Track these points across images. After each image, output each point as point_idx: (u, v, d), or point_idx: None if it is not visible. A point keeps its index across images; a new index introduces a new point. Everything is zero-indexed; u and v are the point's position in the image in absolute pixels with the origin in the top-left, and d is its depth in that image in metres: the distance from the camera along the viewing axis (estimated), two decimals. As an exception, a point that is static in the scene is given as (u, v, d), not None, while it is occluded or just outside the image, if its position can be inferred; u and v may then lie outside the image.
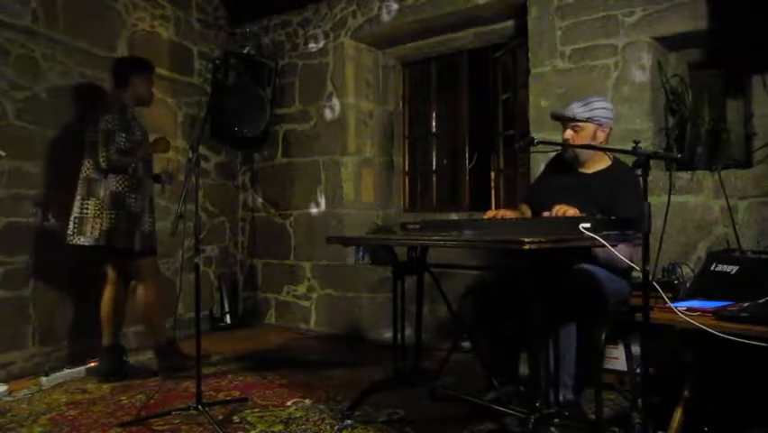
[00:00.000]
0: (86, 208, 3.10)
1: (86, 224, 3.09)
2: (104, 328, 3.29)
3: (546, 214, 2.24)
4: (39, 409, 2.73)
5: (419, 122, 4.87)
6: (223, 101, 4.45)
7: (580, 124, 2.42)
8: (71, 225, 3.13)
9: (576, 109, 2.42)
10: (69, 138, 3.48)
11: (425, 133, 4.83)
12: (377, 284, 4.36)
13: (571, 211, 2.16)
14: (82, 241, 3.10)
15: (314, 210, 4.67)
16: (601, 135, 2.45)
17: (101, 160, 3.05)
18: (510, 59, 4.11)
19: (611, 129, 2.50)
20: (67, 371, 3.24)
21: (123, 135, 3.10)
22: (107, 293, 3.31)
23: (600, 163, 2.51)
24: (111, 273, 3.32)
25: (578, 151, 2.47)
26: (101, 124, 3.05)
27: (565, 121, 2.47)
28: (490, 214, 2.53)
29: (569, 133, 2.45)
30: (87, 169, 3.15)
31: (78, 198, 3.14)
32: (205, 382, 2.92)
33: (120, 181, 3.12)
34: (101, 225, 3.07)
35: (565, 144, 2.44)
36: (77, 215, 3.13)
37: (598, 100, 2.46)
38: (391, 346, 2.63)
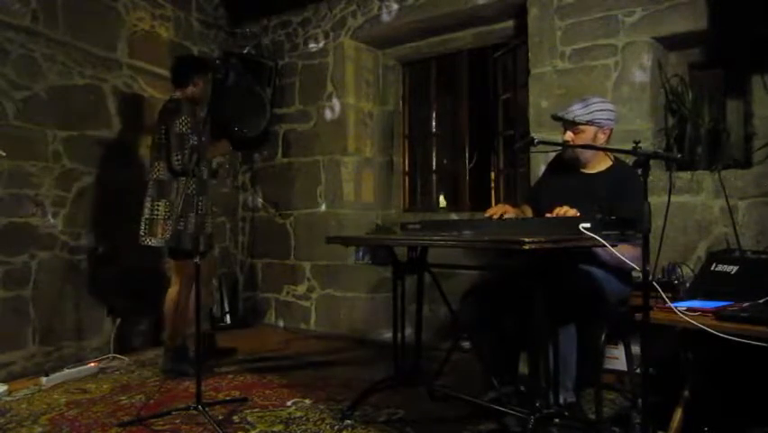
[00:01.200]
0: (157, 210, 3.12)
1: (157, 225, 3.11)
2: (171, 327, 3.29)
3: (548, 215, 2.24)
4: (39, 410, 2.73)
5: (419, 122, 4.87)
6: (223, 101, 4.44)
7: (580, 126, 2.41)
8: (142, 226, 3.15)
9: (576, 112, 2.40)
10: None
11: (425, 133, 4.83)
12: (377, 284, 4.36)
13: (572, 212, 2.16)
14: (153, 242, 3.12)
15: (314, 210, 4.66)
16: (602, 137, 2.44)
17: (175, 162, 3.06)
18: (510, 59, 4.11)
19: (612, 130, 2.48)
20: (67, 371, 3.24)
21: (195, 138, 3.10)
22: (175, 293, 3.29)
23: (602, 163, 2.50)
24: (177, 274, 3.30)
25: (578, 151, 2.46)
26: (174, 128, 3.07)
27: (566, 123, 2.46)
28: (492, 211, 2.52)
29: (569, 135, 2.44)
30: (158, 171, 3.16)
31: (149, 199, 3.16)
32: (205, 382, 2.93)
33: (189, 184, 3.12)
34: (171, 226, 3.08)
35: (565, 144, 2.44)
36: (147, 216, 3.15)
37: (599, 102, 2.44)
38: (391, 346, 2.63)
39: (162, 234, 3.10)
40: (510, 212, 2.50)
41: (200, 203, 3.20)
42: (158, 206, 3.13)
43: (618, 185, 2.36)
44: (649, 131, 3.24)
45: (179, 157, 3.06)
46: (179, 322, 3.28)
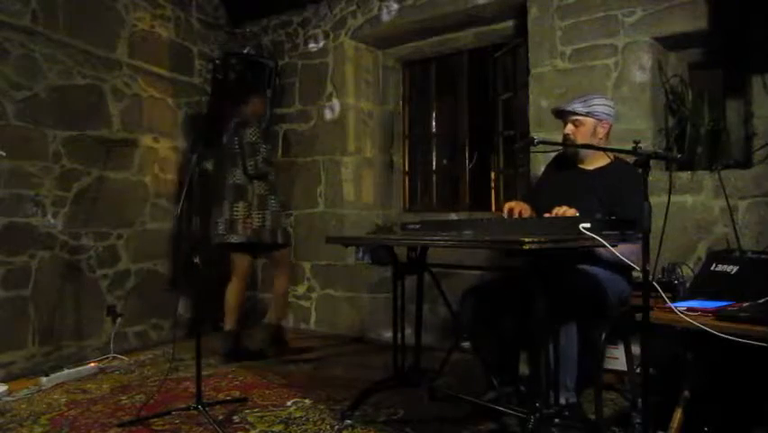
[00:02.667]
0: (237, 211, 3.47)
1: (238, 224, 3.47)
2: (228, 314, 3.64)
3: (547, 215, 2.24)
4: (39, 409, 2.73)
5: (419, 122, 4.86)
6: (222, 101, 4.44)
7: (579, 118, 2.47)
8: (222, 227, 3.47)
9: (576, 104, 2.47)
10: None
11: (425, 133, 4.83)
12: (377, 284, 4.36)
13: (571, 212, 2.16)
14: (235, 239, 3.48)
15: (314, 210, 4.66)
16: (601, 131, 2.49)
17: (249, 167, 3.45)
18: (510, 59, 4.11)
19: (611, 125, 2.53)
20: (67, 371, 3.24)
21: (264, 146, 3.52)
22: (237, 284, 3.66)
23: (601, 160, 2.54)
24: (242, 267, 3.65)
25: None
26: (246, 138, 3.46)
27: (566, 116, 2.51)
28: (513, 206, 2.50)
29: (569, 127, 2.50)
30: (234, 176, 3.52)
31: (227, 202, 3.48)
32: (206, 382, 2.93)
33: (263, 185, 3.54)
34: (252, 224, 3.45)
35: (565, 144, 2.47)
36: (227, 217, 3.48)
37: (598, 98, 2.53)
38: (391, 346, 2.63)
39: (243, 232, 3.44)
40: (526, 209, 2.50)
41: (272, 202, 3.56)
42: (236, 207, 3.46)
43: (618, 182, 2.38)
44: (649, 131, 3.24)
45: (252, 162, 3.43)
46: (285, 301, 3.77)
